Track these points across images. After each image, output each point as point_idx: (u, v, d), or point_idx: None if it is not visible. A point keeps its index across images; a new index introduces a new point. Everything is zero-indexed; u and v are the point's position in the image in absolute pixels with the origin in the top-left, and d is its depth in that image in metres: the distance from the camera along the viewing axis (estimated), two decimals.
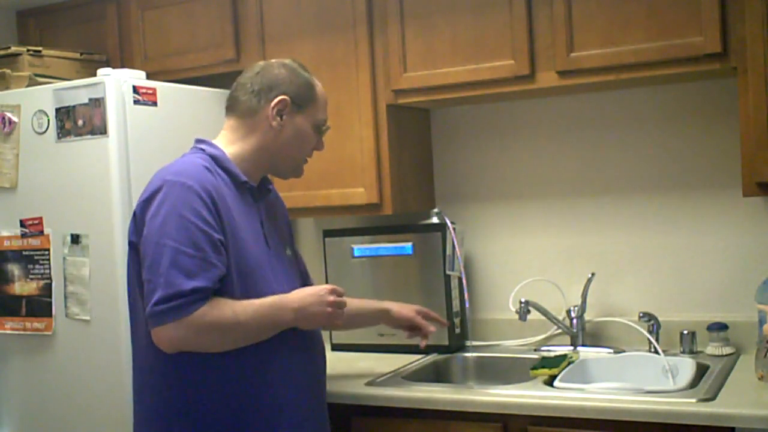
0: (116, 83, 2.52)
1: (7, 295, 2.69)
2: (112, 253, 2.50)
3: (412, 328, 2.48)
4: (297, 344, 2.06)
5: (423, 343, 2.48)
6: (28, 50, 2.90)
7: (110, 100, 2.50)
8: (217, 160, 2.03)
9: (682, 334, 2.57)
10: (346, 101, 2.75)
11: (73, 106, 2.55)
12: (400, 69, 2.68)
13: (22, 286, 2.67)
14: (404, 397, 2.33)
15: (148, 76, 2.71)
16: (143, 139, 2.57)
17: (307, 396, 2.09)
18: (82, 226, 2.56)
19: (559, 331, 2.78)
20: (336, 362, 2.65)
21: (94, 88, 2.52)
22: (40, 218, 2.63)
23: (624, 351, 2.63)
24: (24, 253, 2.66)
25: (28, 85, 2.74)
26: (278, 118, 2.07)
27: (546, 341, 2.82)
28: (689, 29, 2.29)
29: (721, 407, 2.00)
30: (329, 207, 2.84)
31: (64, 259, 2.59)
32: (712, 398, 2.06)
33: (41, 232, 2.63)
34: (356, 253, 2.95)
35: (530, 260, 2.89)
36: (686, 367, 2.37)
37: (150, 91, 2.61)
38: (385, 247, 2.90)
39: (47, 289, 2.62)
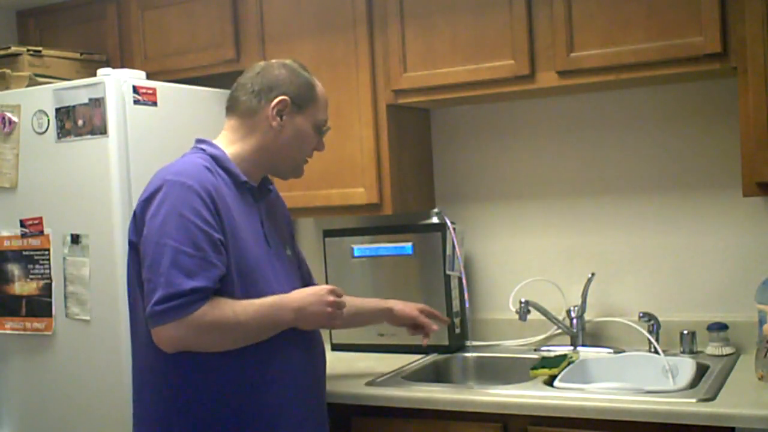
0: (116, 83, 2.52)
1: (7, 295, 2.69)
2: (112, 253, 2.50)
3: (415, 326, 2.48)
4: (297, 344, 2.06)
5: (425, 341, 2.49)
6: (28, 50, 2.90)
7: (110, 100, 2.50)
8: (218, 160, 2.03)
9: (682, 334, 2.57)
10: (346, 101, 2.75)
11: (73, 106, 2.55)
12: (400, 69, 2.69)
13: (22, 286, 2.67)
14: (404, 397, 2.33)
15: (148, 76, 2.71)
16: (143, 139, 2.57)
17: (307, 396, 2.09)
18: (82, 226, 2.56)
19: (559, 331, 2.78)
20: (336, 362, 2.65)
21: (94, 88, 2.52)
22: (40, 218, 2.63)
23: (624, 351, 2.63)
24: (24, 253, 2.66)
25: (28, 85, 2.74)
26: (278, 119, 2.07)
27: (546, 341, 2.82)
28: (689, 29, 2.29)
29: (721, 407, 2.00)
30: (329, 207, 2.84)
31: (64, 259, 2.59)
32: (712, 398, 2.06)
33: (41, 232, 2.63)
34: (356, 253, 2.95)
35: (530, 260, 2.89)
36: (686, 367, 2.37)
37: (150, 91, 2.61)
38: (385, 247, 2.90)
39: (47, 289, 2.62)
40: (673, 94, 2.68)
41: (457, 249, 2.76)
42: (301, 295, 2.02)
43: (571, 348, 2.70)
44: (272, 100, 2.06)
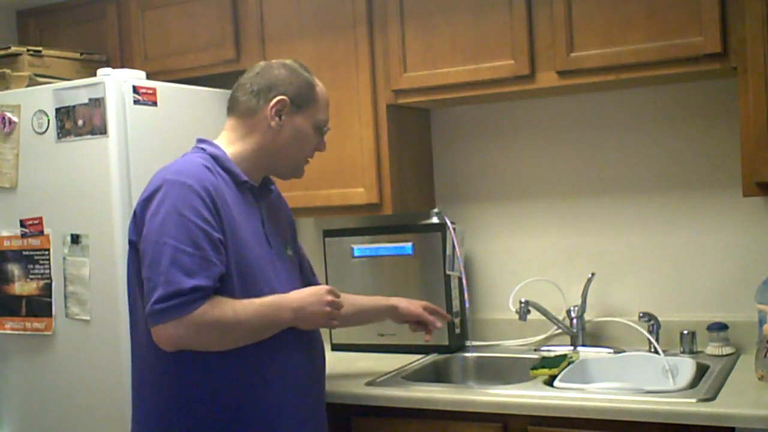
0: (116, 83, 2.52)
1: (7, 295, 2.69)
2: (112, 253, 2.50)
3: (419, 323, 2.48)
4: (297, 344, 2.06)
5: (428, 338, 2.49)
6: (28, 50, 2.90)
7: (110, 100, 2.50)
8: (218, 160, 2.03)
9: (682, 334, 2.57)
10: (346, 101, 2.75)
11: (73, 106, 2.55)
12: (400, 69, 2.69)
13: (22, 286, 2.66)
14: (404, 397, 2.33)
15: (148, 76, 2.71)
16: (143, 139, 2.57)
17: (306, 396, 2.09)
18: (82, 226, 2.56)
19: (559, 331, 2.78)
20: (336, 362, 2.65)
21: (94, 88, 2.52)
22: (40, 218, 2.63)
23: (624, 351, 2.63)
24: (24, 253, 2.66)
25: (28, 85, 2.74)
26: (277, 118, 2.07)
27: (546, 341, 2.82)
28: (689, 29, 2.29)
29: (721, 407, 2.00)
30: (329, 207, 2.84)
31: (64, 259, 2.59)
32: (712, 398, 2.06)
33: (41, 232, 2.63)
34: (356, 253, 2.95)
35: (530, 260, 2.89)
36: (686, 367, 2.37)
37: (150, 91, 2.61)
38: (385, 247, 2.90)
39: (47, 289, 2.62)
40: (673, 94, 2.68)
41: (457, 249, 2.76)
42: (300, 295, 2.03)
43: (571, 348, 2.70)
44: (271, 100, 2.06)
